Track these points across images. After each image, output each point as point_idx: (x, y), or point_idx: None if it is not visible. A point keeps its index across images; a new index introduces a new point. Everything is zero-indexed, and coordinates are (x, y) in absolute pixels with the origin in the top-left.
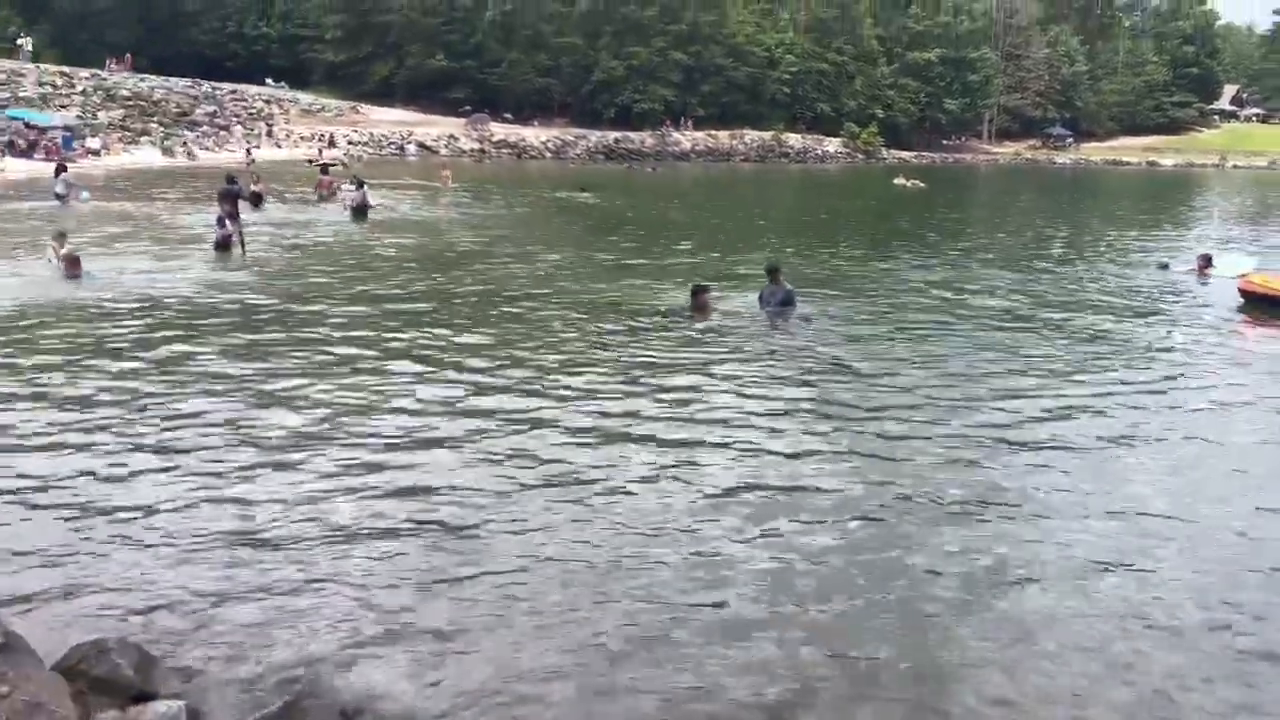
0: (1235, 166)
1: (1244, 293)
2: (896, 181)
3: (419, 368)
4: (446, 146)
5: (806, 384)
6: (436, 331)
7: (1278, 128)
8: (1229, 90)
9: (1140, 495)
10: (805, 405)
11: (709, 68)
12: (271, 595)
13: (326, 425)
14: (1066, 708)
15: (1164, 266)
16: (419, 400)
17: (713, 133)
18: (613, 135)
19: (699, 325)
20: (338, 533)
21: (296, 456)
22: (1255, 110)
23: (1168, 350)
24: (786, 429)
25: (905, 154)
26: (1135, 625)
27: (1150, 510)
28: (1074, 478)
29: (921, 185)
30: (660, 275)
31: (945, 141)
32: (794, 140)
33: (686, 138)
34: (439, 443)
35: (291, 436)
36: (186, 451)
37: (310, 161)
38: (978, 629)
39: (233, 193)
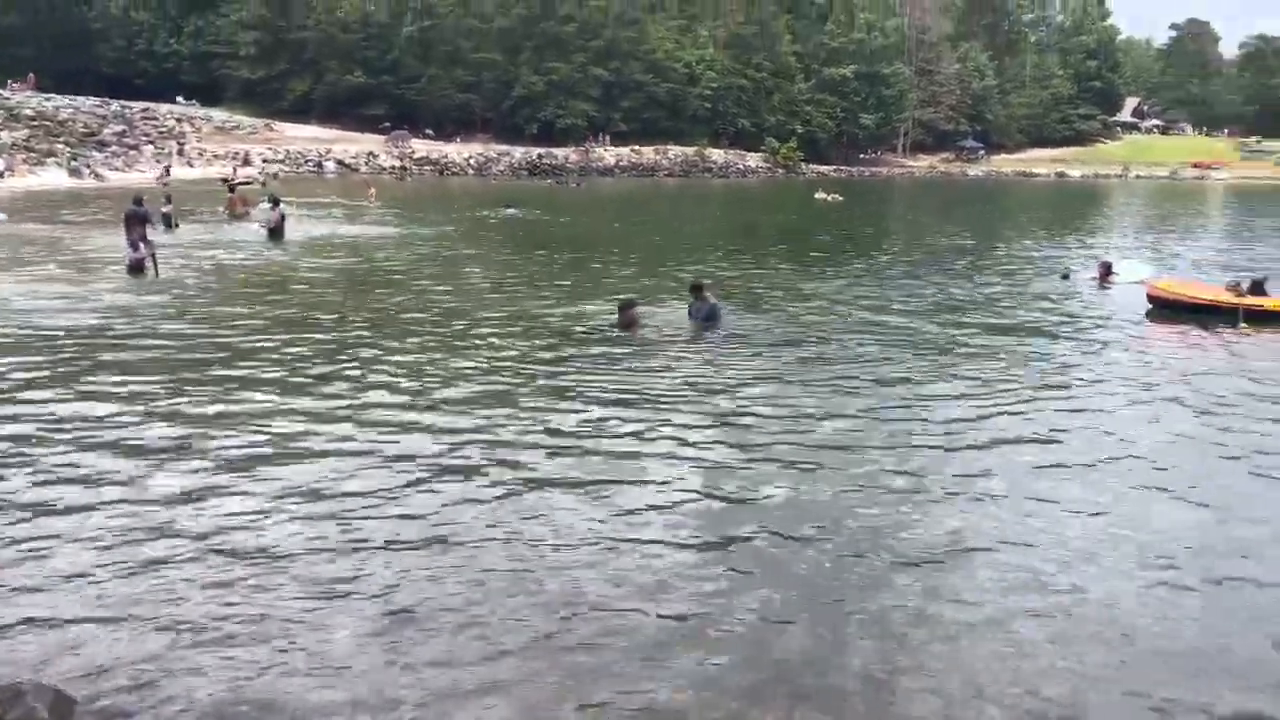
0: (1138, 177)
1: (1151, 298)
2: (817, 195)
3: (343, 390)
4: (366, 164)
5: (732, 397)
6: (360, 353)
7: (1177, 139)
8: (1130, 102)
9: (1060, 498)
10: (731, 418)
11: (629, 83)
12: (190, 630)
13: (248, 452)
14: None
15: (1065, 276)
16: (343, 423)
17: (636, 148)
18: (536, 151)
19: (626, 341)
20: (257, 562)
21: (216, 484)
22: (1155, 122)
23: (1081, 356)
24: (712, 442)
25: (824, 168)
26: (1065, 629)
27: (1070, 512)
28: (996, 484)
29: (840, 199)
30: (587, 291)
31: (862, 156)
32: (717, 155)
33: (610, 153)
34: (364, 466)
35: (210, 464)
36: (99, 483)
37: (225, 181)
38: (902, 635)
39: (140, 215)
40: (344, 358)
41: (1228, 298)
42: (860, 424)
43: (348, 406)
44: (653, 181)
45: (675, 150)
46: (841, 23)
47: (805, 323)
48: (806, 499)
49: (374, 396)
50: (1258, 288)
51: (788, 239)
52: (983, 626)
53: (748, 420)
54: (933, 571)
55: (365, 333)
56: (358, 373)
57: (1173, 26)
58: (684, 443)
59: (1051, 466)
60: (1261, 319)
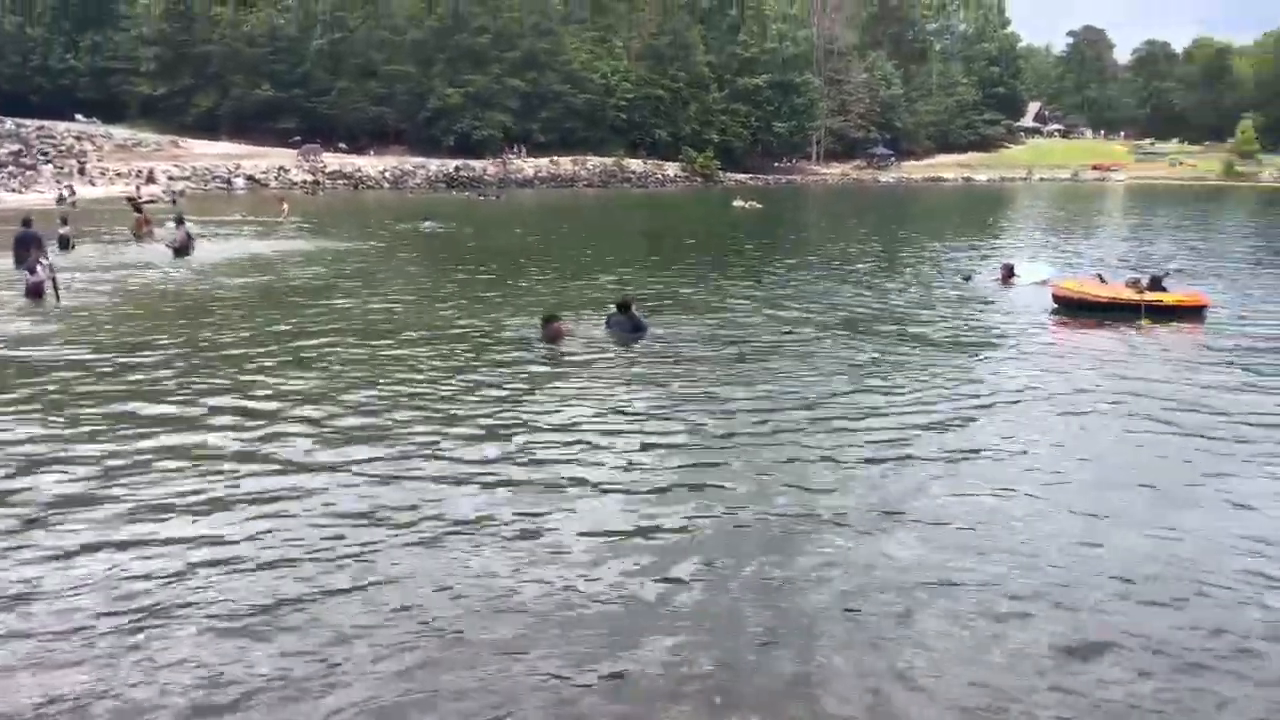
0: (1041, 180)
1: (1057, 298)
2: (735, 203)
3: (259, 414)
4: (277, 179)
5: (658, 408)
6: (275, 375)
7: (1077, 142)
8: (1033, 108)
9: (978, 499)
10: (657, 429)
11: (547, 94)
12: (105, 667)
13: (162, 482)
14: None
15: (967, 278)
16: (260, 448)
17: (555, 159)
18: (453, 163)
19: (551, 354)
20: (176, 596)
21: (122, 528)
22: (1056, 126)
23: (993, 357)
24: (640, 454)
25: (741, 176)
26: (984, 630)
27: (987, 512)
28: (917, 486)
29: (758, 206)
30: (510, 304)
31: (777, 164)
32: (635, 165)
33: (529, 164)
34: (282, 497)
35: (128, 496)
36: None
37: (130, 200)
38: (836, 640)
39: (30, 237)
40: (259, 381)
41: (1129, 295)
42: (781, 432)
43: (262, 434)
44: (572, 192)
45: (594, 161)
46: (754, 33)
47: (727, 332)
48: (730, 512)
49: (290, 423)
50: (1156, 284)
51: (708, 247)
52: (900, 628)
53: (674, 432)
54: (857, 577)
55: (280, 354)
56: (273, 397)
57: (1070, 34)
58: (611, 454)
59: (966, 466)
60: (1162, 314)
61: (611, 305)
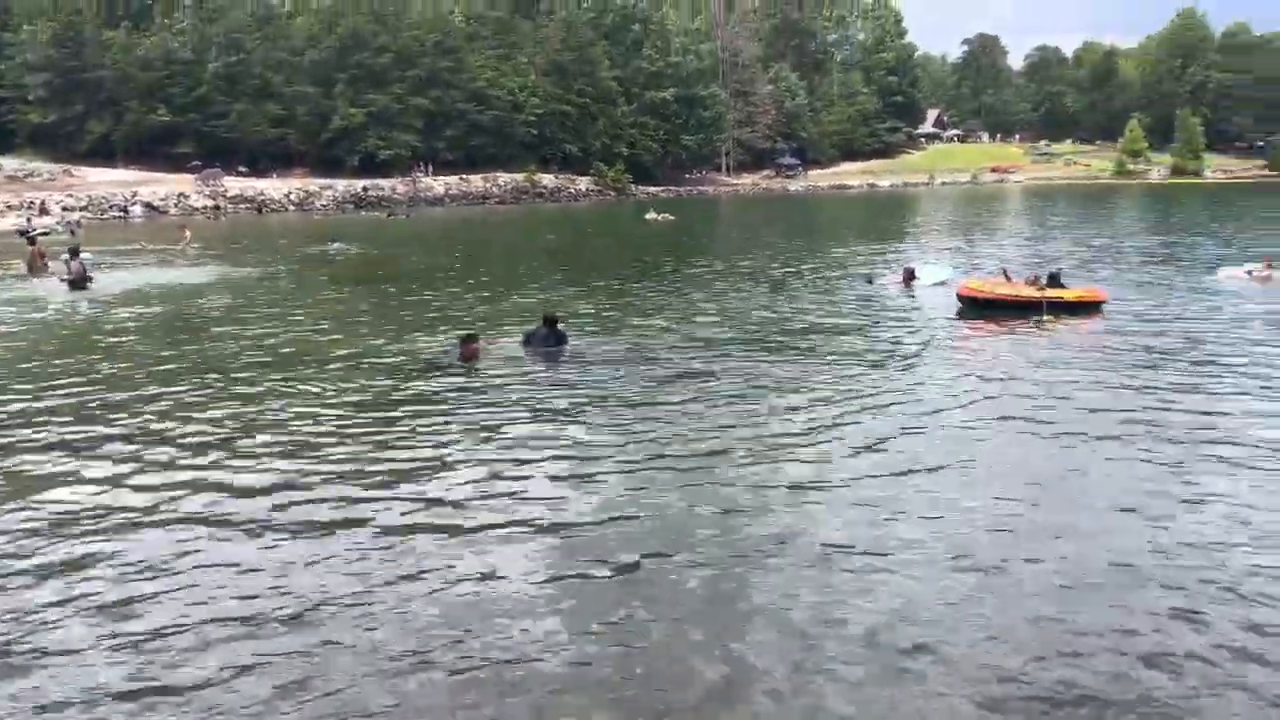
0: (943, 184)
1: (962, 298)
2: (648, 216)
3: (163, 457)
4: (177, 205)
5: (578, 424)
6: (181, 409)
7: (975, 146)
8: (932, 114)
9: (896, 498)
10: (577, 446)
11: (452, 112)
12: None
13: (52, 538)
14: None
15: (870, 281)
16: (165, 495)
17: (465, 176)
18: (360, 184)
19: (470, 374)
20: (82, 641)
21: (34, 561)
22: (955, 131)
23: (908, 358)
24: (559, 471)
25: (653, 189)
26: (896, 631)
27: (902, 512)
28: (831, 487)
29: (671, 218)
30: (425, 325)
31: (688, 175)
32: (547, 181)
33: (439, 182)
34: (195, 532)
35: (24, 539)
36: None
37: (23, 234)
38: (746, 648)
39: None
40: (164, 421)
41: (1031, 292)
42: (702, 443)
43: (167, 479)
44: (484, 209)
45: (505, 177)
46: (658, 48)
47: (645, 344)
48: (652, 523)
49: (197, 465)
50: (1055, 280)
51: (623, 260)
52: (826, 629)
53: (596, 446)
54: (778, 578)
55: (186, 387)
56: (179, 437)
57: (964, 41)
58: (531, 479)
59: (884, 464)
60: (1061, 309)
61: (535, 323)
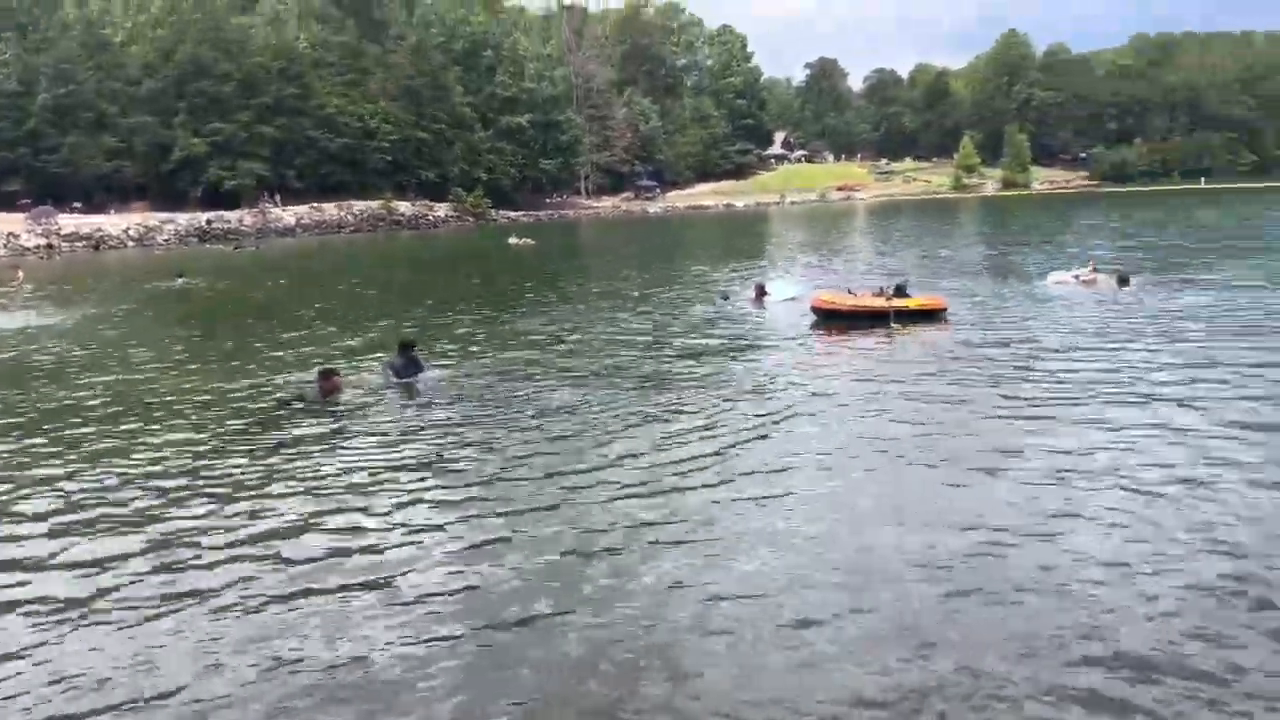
0: (793, 203)
1: (815, 310)
2: (510, 241)
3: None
4: (6, 245)
5: (439, 456)
6: (19, 469)
7: (822, 166)
8: (779, 136)
9: (758, 506)
10: (439, 490)
11: (301, 140)
12: None
13: None
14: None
15: (725, 298)
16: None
17: (317, 205)
18: (205, 216)
19: (331, 409)
20: None
21: None
22: (802, 152)
23: (767, 370)
24: (427, 505)
25: (514, 214)
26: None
27: (769, 528)
28: (693, 512)
29: (532, 243)
30: (279, 360)
31: (548, 200)
32: (404, 208)
33: (289, 212)
34: (31, 602)
35: None
36: None
37: None
38: (625, 667)
39: None
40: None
41: (879, 303)
42: (566, 470)
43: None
44: (341, 238)
45: (360, 205)
46: (511, 73)
47: (509, 372)
48: (520, 553)
49: (32, 513)
50: (900, 291)
51: (486, 286)
52: (671, 651)
53: (458, 489)
54: (642, 602)
55: (25, 443)
56: (9, 491)
57: (807, 65)
58: (399, 506)
59: (744, 479)
60: (908, 317)
61: (390, 351)
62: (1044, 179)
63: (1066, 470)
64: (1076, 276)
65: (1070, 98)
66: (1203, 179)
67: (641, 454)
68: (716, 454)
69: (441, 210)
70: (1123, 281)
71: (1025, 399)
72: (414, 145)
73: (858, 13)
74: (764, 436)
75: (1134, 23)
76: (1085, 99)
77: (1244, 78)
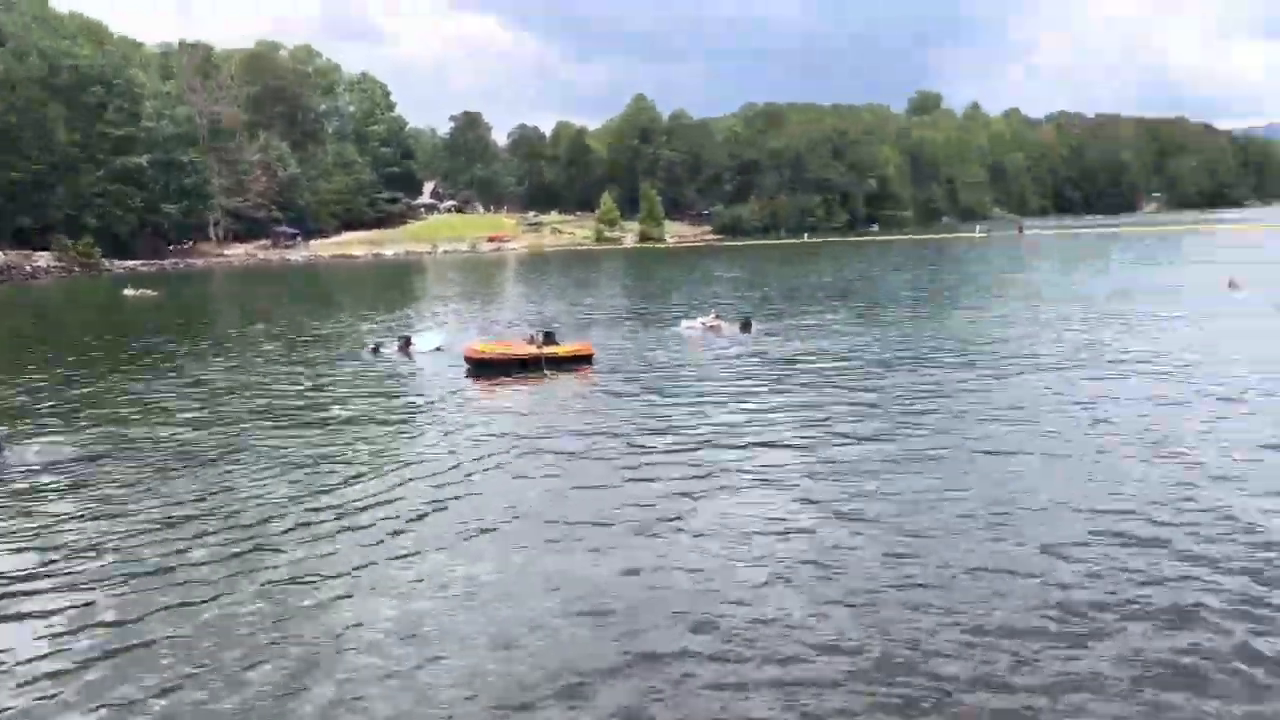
0: (445, 252)
1: (469, 359)
2: (127, 292)
3: None
4: None
5: (33, 545)
6: None
7: (472, 216)
8: (429, 185)
9: (441, 560)
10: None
11: None
12: None
13: None
14: None
15: (376, 350)
16: None
17: None
18: None
19: None
20: None
21: None
22: (452, 202)
23: (428, 420)
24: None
25: (132, 262)
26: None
27: (434, 582)
28: (365, 567)
29: (153, 294)
30: None
31: (173, 247)
32: None
33: None
34: None
35: None
36: None
37: None
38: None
39: None
40: None
41: (530, 350)
42: (208, 538)
43: None
44: None
45: None
46: (123, 110)
47: (134, 439)
48: (167, 637)
49: None
50: (549, 338)
51: (96, 343)
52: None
53: (72, 571)
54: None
55: None
56: None
57: (451, 118)
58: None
59: (420, 529)
60: (557, 363)
61: None
62: (674, 233)
63: (670, 519)
64: (702, 324)
65: (694, 159)
66: (805, 234)
67: (298, 515)
68: (377, 510)
69: (43, 260)
70: (744, 327)
71: (661, 450)
72: (7, 188)
73: (504, 66)
74: (422, 488)
75: (748, 92)
76: (707, 161)
77: (837, 145)
